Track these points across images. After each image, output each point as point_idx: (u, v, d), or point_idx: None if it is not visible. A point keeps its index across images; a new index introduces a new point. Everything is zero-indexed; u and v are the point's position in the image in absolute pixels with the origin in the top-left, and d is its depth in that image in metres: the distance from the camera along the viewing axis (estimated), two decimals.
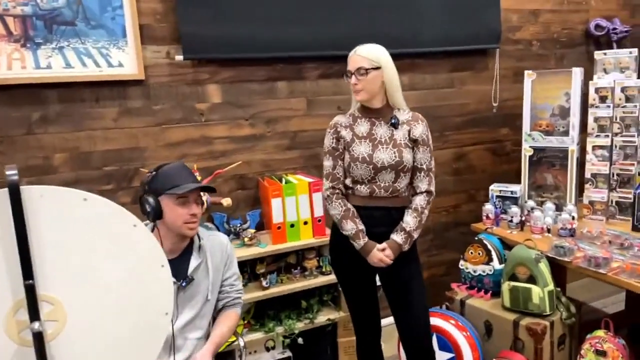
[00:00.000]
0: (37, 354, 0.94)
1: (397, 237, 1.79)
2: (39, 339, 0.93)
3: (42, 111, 2.03)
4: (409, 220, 1.79)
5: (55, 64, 1.99)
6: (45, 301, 0.95)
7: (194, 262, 1.56)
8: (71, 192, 0.95)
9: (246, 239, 2.25)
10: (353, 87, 1.78)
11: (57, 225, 0.94)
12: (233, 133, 2.37)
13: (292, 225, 2.27)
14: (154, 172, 1.54)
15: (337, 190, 1.84)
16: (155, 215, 1.47)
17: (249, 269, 2.31)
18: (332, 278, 2.35)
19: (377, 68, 1.75)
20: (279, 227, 2.25)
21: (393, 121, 1.80)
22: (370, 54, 1.76)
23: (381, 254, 1.77)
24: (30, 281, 0.91)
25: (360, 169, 1.78)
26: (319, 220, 2.32)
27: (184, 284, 1.52)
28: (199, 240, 1.60)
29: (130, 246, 1.01)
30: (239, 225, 2.32)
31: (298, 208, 2.28)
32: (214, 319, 1.66)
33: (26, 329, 0.94)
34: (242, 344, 1.79)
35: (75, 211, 0.96)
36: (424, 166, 1.83)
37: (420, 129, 1.83)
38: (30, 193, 0.90)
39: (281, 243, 2.26)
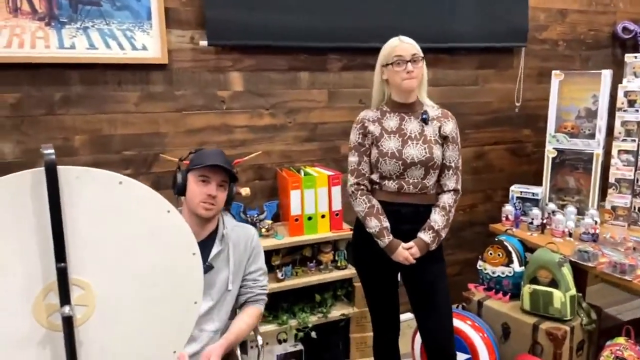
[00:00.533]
0: (66, 339, 0.92)
1: (425, 235, 1.75)
2: (68, 324, 0.91)
3: (64, 92, 2.01)
4: (437, 218, 1.76)
5: (79, 44, 1.96)
6: (76, 285, 0.93)
7: (215, 249, 1.54)
8: (107, 175, 0.93)
9: (263, 230, 2.22)
10: (408, 75, 1.70)
11: (92, 208, 0.92)
12: (253, 122, 2.34)
13: (309, 218, 2.25)
14: (194, 151, 1.59)
15: (362, 187, 1.80)
16: (178, 189, 1.47)
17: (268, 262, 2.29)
18: (347, 273, 2.33)
19: (422, 59, 1.74)
20: (296, 220, 2.22)
21: (424, 117, 1.76)
22: (414, 44, 1.74)
23: (407, 253, 1.74)
24: (63, 264, 0.88)
25: (389, 164, 1.74)
26: (337, 214, 2.29)
27: None
28: (224, 229, 1.57)
29: (163, 232, 0.98)
30: (255, 215, 2.29)
31: (316, 201, 2.25)
32: (235, 314, 1.62)
33: (55, 312, 0.92)
34: (259, 342, 1.73)
35: (110, 194, 0.93)
36: (453, 164, 1.80)
37: (450, 126, 1.79)
38: (67, 174, 0.88)
39: (298, 235, 2.23)
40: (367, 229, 1.78)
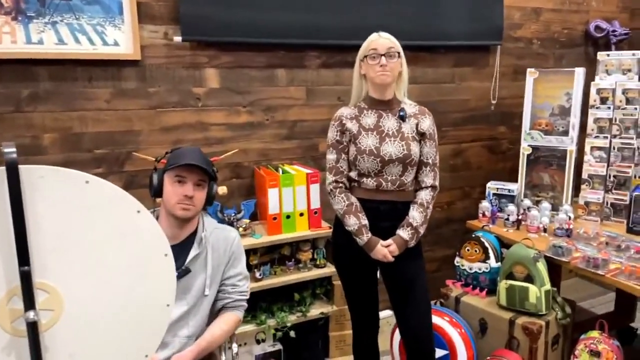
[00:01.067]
0: (30, 345, 0.88)
1: (403, 232, 1.75)
2: (33, 329, 0.88)
3: (32, 88, 1.94)
4: (416, 215, 1.76)
5: (48, 39, 1.89)
6: (41, 289, 0.89)
7: (193, 252, 1.49)
8: (73, 174, 0.89)
9: (240, 229, 2.19)
10: (381, 68, 1.69)
11: (57, 208, 0.88)
12: (230, 120, 2.31)
13: (287, 217, 2.23)
14: (170, 151, 1.54)
15: (341, 184, 1.79)
16: (154, 191, 1.43)
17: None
18: (326, 271, 2.32)
19: (399, 54, 1.73)
20: (274, 218, 2.20)
21: (401, 113, 1.76)
22: (393, 39, 1.74)
23: (385, 250, 1.73)
24: (26, 267, 0.85)
25: (367, 161, 1.73)
26: (315, 212, 2.28)
27: (177, 274, 1.42)
28: (203, 231, 1.53)
29: (133, 233, 0.95)
30: (233, 214, 2.26)
31: (295, 199, 2.23)
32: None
33: (20, 318, 0.88)
34: (234, 349, 1.66)
35: (76, 194, 0.89)
36: (430, 160, 1.80)
37: (427, 123, 1.80)
38: (30, 173, 0.84)
39: (276, 234, 2.21)
40: (346, 227, 1.77)
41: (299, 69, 2.42)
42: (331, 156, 1.81)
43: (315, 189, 2.27)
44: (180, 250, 1.46)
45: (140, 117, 2.13)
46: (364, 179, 1.77)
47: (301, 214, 2.26)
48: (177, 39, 2.10)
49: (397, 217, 1.78)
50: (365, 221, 1.75)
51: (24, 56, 1.87)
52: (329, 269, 2.32)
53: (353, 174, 1.80)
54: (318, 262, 2.33)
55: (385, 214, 1.78)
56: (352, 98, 1.86)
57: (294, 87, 2.42)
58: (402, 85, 1.80)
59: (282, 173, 2.27)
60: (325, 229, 2.29)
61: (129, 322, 0.98)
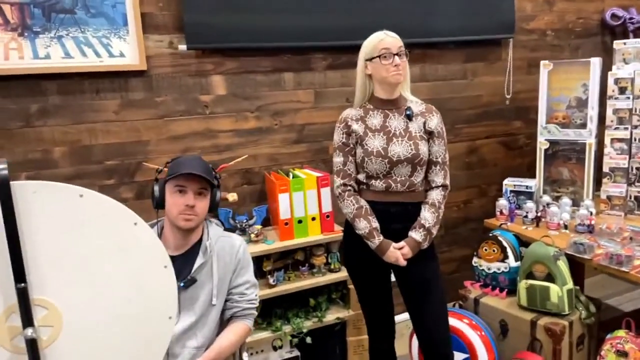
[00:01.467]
0: None
1: (415, 234, 1.71)
2: (32, 346, 0.87)
3: (40, 103, 1.96)
4: (427, 216, 1.72)
5: (54, 53, 1.91)
6: (39, 305, 0.88)
7: (198, 261, 1.47)
8: (67, 188, 0.88)
9: (252, 236, 2.18)
10: (395, 68, 1.66)
11: (52, 223, 0.87)
12: (238, 126, 2.30)
13: (299, 221, 2.20)
14: (170, 161, 1.53)
15: (349, 187, 1.76)
16: (156, 203, 1.42)
17: (255, 267, 2.24)
18: (341, 275, 2.28)
19: (408, 53, 1.71)
20: (286, 223, 2.18)
21: (408, 112, 1.72)
22: (399, 38, 1.70)
23: (398, 253, 1.69)
24: (23, 284, 0.84)
25: (375, 163, 1.70)
26: (327, 216, 2.24)
27: (183, 284, 1.42)
28: (208, 239, 1.51)
29: (131, 245, 0.94)
30: (244, 221, 2.25)
31: (306, 203, 2.20)
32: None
33: (19, 335, 0.87)
34: (245, 359, 1.65)
35: (71, 209, 0.88)
36: (439, 159, 1.76)
37: (435, 121, 1.76)
38: (23, 189, 0.83)
39: (288, 239, 2.19)
40: (357, 231, 1.73)
41: (305, 72, 2.39)
42: (338, 159, 1.77)
43: (326, 192, 2.23)
44: (186, 259, 1.44)
45: (148, 127, 2.14)
46: (373, 181, 1.73)
47: (313, 219, 2.23)
48: (182, 47, 2.10)
49: (409, 219, 1.74)
50: (376, 224, 1.72)
51: (31, 71, 1.89)
52: (344, 273, 2.27)
53: (361, 177, 1.76)
54: (332, 267, 2.30)
55: (396, 216, 1.74)
56: (356, 99, 1.83)
57: (302, 90, 2.40)
58: (406, 83, 1.77)
59: (293, 177, 2.25)
60: (338, 233, 2.25)
61: (131, 335, 0.97)
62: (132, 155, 2.13)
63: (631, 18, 3.01)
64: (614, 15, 3.03)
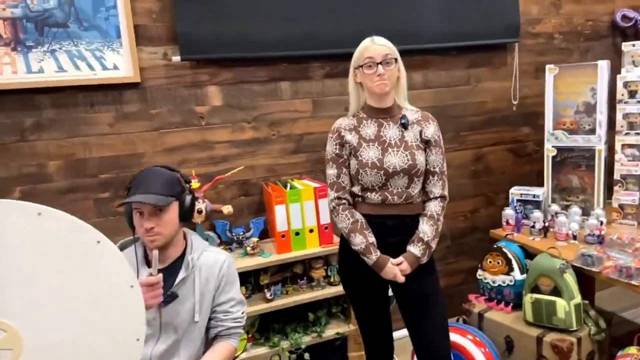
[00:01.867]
0: None
1: (414, 248, 1.63)
2: None
3: (35, 117, 1.96)
4: (426, 229, 1.64)
5: (48, 67, 1.91)
6: None
7: (180, 276, 1.42)
8: (24, 206, 0.85)
9: (248, 249, 2.14)
10: (379, 78, 1.60)
11: (9, 243, 0.84)
12: (235, 137, 2.27)
13: (297, 234, 2.15)
14: (131, 180, 1.45)
15: (344, 201, 1.69)
16: (130, 225, 1.37)
17: (252, 280, 2.20)
18: (340, 289, 2.20)
19: (396, 60, 1.63)
20: (283, 236, 2.13)
21: (403, 121, 1.66)
22: (389, 44, 1.63)
23: (396, 269, 1.61)
24: None
25: (370, 175, 1.63)
26: (326, 228, 2.19)
27: (163, 300, 1.36)
28: (190, 253, 1.46)
29: (94, 264, 0.90)
30: (241, 233, 2.21)
31: (303, 215, 2.15)
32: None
33: None
34: None
35: (29, 227, 0.85)
36: (437, 169, 1.68)
37: (432, 129, 1.69)
38: None
39: (286, 252, 2.14)
40: (352, 246, 1.66)
41: (303, 81, 2.36)
42: (331, 171, 1.71)
43: (324, 203, 2.18)
44: (168, 274, 1.40)
45: (143, 139, 2.12)
46: (368, 194, 1.67)
47: (311, 230, 2.17)
48: (176, 58, 2.08)
49: (406, 232, 1.67)
50: (372, 239, 1.64)
51: (25, 86, 1.89)
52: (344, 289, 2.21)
53: (356, 189, 1.70)
54: (332, 280, 2.24)
55: (393, 229, 1.67)
56: (350, 108, 1.77)
57: (299, 99, 2.36)
58: (401, 91, 1.70)
59: (290, 188, 2.20)
60: (337, 245, 2.19)
61: (97, 358, 0.93)
62: (127, 168, 2.11)
63: None
64: (624, 17, 2.93)
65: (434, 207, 1.68)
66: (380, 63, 1.59)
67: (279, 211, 2.12)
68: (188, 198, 1.43)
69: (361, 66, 1.63)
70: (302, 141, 2.39)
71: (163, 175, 1.42)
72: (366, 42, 1.65)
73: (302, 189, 2.15)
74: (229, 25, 2.11)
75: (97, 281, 0.91)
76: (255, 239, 2.17)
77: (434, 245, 1.67)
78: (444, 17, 2.49)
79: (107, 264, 0.91)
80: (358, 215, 1.67)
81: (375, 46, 1.62)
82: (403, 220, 1.67)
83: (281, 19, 2.20)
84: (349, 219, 1.66)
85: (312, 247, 2.18)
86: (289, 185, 2.26)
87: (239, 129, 2.27)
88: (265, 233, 2.30)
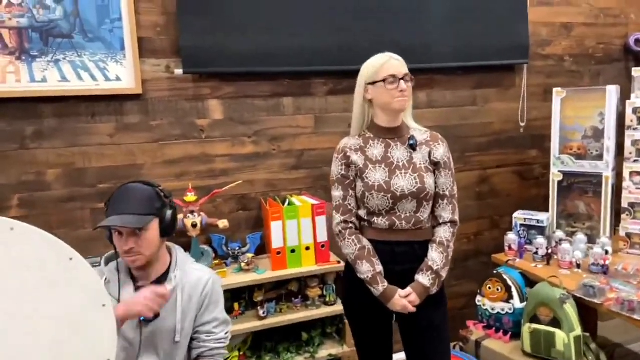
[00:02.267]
0: None
1: (423, 278, 1.55)
2: None
3: (36, 126, 1.97)
4: (436, 257, 1.55)
5: (51, 77, 1.93)
6: None
7: None
8: None
9: (243, 264, 2.11)
10: (401, 94, 1.54)
11: None
12: (235, 151, 2.26)
13: (293, 251, 2.12)
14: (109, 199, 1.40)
15: (350, 225, 1.59)
16: (112, 244, 1.35)
17: (246, 296, 2.17)
18: (336, 309, 2.18)
19: (412, 78, 1.59)
20: (278, 253, 2.10)
21: (412, 142, 1.58)
22: (404, 62, 1.58)
23: (404, 301, 1.53)
24: None
25: (377, 198, 1.55)
26: (323, 246, 2.16)
27: (144, 318, 1.33)
28: (174, 270, 1.43)
29: (65, 282, 0.88)
30: (237, 248, 2.19)
31: (300, 232, 2.12)
32: None
33: None
34: None
35: (0, 243, 0.84)
36: (447, 192, 1.61)
37: (442, 151, 1.61)
38: None
39: (281, 269, 2.11)
40: (358, 274, 1.57)
41: (305, 97, 2.35)
42: (337, 193, 1.62)
43: (322, 221, 2.15)
44: None
45: (143, 150, 2.12)
46: (375, 218, 1.58)
47: (307, 248, 2.14)
48: (179, 71, 2.09)
49: (415, 259, 1.58)
50: (380, 267, 1.56)
51: (28, 95, 1.91)
52: (340, 307, 2.17)
53: (362, 213, 1.60)
54: (328, 299, 2.20)
55: (401, 256, 1.58)
56: (353, 127, 1.69)
57: (301, 115, 2.35)
58: (409, 110, 1.65)
59: (289, 205, 2.18)
60: (334, 264, 2.16)
61: None
62: (126, 179, 2.07)
63: None
64: (638, 41, 2.88)
65: (443, 233, 1.60)
66: (402, 79, 1.54)
67: (275, 227, 2.10)
68: (169, 213, 1.39)
69: (378, 82, 1.56)
70: (303, 157, 2.37)
71: (141, 192, 1.37)
72: (383, 58, 1.58)
73: (300, 206, 2.13)
74: (232, 39, 2.12)
75: (67, 299, 0.89)
76: (250, 255, 2.15)
77: (444, 274, 1.58)
78: (452, 35, 2.47)
79: (79, 282, 0.89)
80: (365, 242, 1.59)
81: (395, 62, 1.56)
82: (412, 247, 1.59)
83: (285, 34, 2.20)
84: (355, 244, 1.58)
85: (308, 265, 2.14)
86: (287, 201, 2.24)
87: (239, 143, 2.26)
88: (262, 249, 2.27)
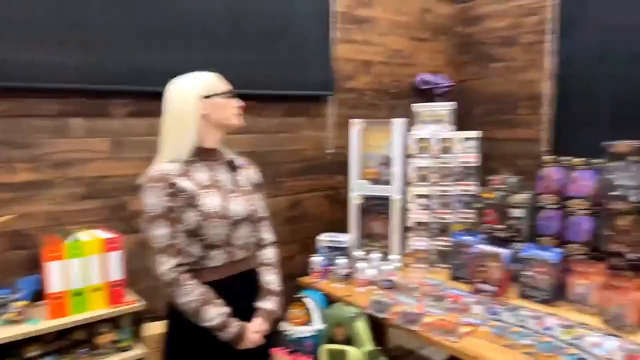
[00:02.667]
0: None
1: (268, 304, 1.52)
2: None
3: None
4: (272, 279, 1.56)
5: None
6: None
7: None
8: None
9: (12, 314, 1.77)
10: (239, 109, 1.50)
11: None
12: (4, 179, 1.91)
13: (77, 294, 1.85)
14: None
15: (187, 267, 1.40)
16: None
17: (19, 353, 1.81)
18: (132, 355, 1.95)
19: None
20: (58, 297, 1.81)
21: (236, 164, 1.55)
22: None
23: (257, 335, 1.47)
24: None
25: (218, 227, 1.41)
26: (116, 286, 1.93)
27: None
28: None
29: None
30: (6, 296, 1.83)
31: (86, 272, 1.87)
32: None
33: None
34: None
35: None
36: (265, 214, 1.62)
37: (257, 174, 1.64)
38: None
39: (60, 317, 1.82)
40: (203, 323, 1.39)
41: (100, 118, 2.12)
42: (161, 231, 1.37)
43: (115, 257, 1.94)
44: None
45: None
46: (211, 252, 1.43)
47: (96, 289, 1.90)
48: None
49: (252, 291, 1.53)
50: (227, 308, 1.42)
51: None
52: (136, 351, 1.96)
53: (195, 250, 1.42)
54: (122, 345, 1.96)
55: (242, 291, 1.49)
56: (169, 150, 1.46)
57: (94, 138, 2.11)
58: None
59: (75, 240, 1.91)
60: (130, 304, 1.95)
61: None
62: None
63: (438, 83, 3.32)
64: (423, 80, 3.31)
65: (270, 254, 1.62)
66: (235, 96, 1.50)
67: (55, 268, 1.81)
68: None
69: (217, 95, 1.46)
70: (96, 185, 2.13)
71: None
72: (210, 74, 1.50)
73: (86, 242, 1.88)
74: (4, 49, 1.81)
75: None
76: (21, 303, 1.81)
77: (281, 294, 1.58)
78: (262, 64, 2.50)
79: None
80: (202, 285, 1.42)
81: (220, 79, 1.51)
82: (248, 277, 1.53)
83: (78, 46, 1.95)
84: (197, 289, 1.39)
85: (97, 309, 1.89)
86: (73, 237, 1.96)
87: (9, 170, 1.92)
88: (41, 294, 1.94)
